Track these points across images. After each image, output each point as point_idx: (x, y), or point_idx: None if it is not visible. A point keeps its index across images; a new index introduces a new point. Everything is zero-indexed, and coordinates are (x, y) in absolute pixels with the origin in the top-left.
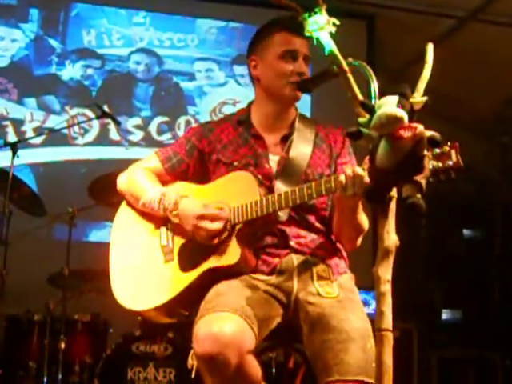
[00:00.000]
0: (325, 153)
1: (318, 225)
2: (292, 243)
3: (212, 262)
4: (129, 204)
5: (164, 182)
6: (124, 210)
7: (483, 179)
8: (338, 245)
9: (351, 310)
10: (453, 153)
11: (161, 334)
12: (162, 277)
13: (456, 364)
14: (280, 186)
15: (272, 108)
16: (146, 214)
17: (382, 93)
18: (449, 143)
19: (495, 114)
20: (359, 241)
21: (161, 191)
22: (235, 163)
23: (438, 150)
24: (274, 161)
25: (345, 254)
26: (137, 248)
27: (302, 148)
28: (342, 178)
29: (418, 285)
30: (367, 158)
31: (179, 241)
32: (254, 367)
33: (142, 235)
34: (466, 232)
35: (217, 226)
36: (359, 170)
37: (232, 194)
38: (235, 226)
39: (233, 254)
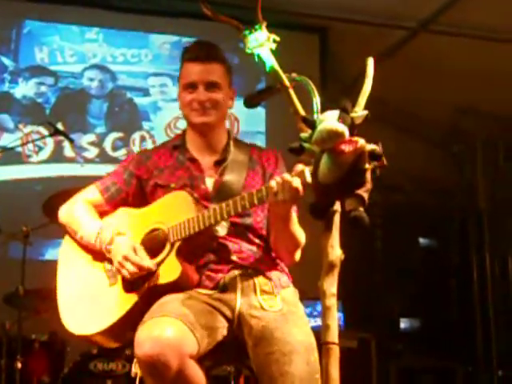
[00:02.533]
0: (258, 174)
1: (257, 240)
2: (234, 258)
3: (153, 281)
4: (70, 236)
5: (105, 212)
6: (67, 242)
7: (439, 188)
8: (278, 261)
9: (294, 323)
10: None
11: (118, 352)
12: (107, 300)
13: (415, 373)
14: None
15: (198, 134)
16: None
17: (335, 105)
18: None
19: (448, 123)
20: (298, 255)
21: (98, 227)
22: (172, 185)
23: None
24: (209, 183)
25: (286, 270)
26: (81, 275)
27: (237, 171)
28: (273, 183)
29: (375, 294)
30: (296, 165)
31: None
32: (197, 373)
33: (86, 262)
34: (422, 241)
35: (134, 270)
36: (287, 176)
37: (170, 214)
38: (174, 243)
39: (173, 270)
